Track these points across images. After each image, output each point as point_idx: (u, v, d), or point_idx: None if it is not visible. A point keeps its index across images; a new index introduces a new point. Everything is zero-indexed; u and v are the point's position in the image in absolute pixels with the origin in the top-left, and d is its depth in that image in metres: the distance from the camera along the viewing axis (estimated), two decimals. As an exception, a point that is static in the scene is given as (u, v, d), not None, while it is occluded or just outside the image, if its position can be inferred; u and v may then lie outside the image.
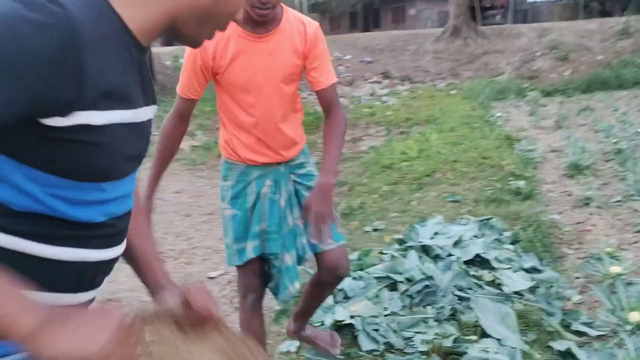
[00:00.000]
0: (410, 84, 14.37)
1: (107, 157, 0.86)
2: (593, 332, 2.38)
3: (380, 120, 9.99)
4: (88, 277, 0.93)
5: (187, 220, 6.16)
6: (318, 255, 2.09)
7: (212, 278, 4.47)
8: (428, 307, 2.42)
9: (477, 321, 2.30)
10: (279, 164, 2.01)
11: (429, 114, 9.49)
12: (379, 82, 14.65)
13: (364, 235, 4.02)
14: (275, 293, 2.11)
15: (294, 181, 2.05)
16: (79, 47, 0.76)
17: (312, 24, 1.95)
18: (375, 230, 4.05)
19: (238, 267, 2.09)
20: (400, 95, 12.55)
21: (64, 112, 0.77)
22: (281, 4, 1.87)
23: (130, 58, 0.89)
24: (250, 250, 2.01)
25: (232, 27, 1.82)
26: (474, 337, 2.24)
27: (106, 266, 0.97)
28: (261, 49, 1.85)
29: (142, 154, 0.99)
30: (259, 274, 2.09)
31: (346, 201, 5.69)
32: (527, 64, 14.92)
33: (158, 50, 17.51)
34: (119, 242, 0.99)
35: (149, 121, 1.00)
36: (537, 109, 9.63)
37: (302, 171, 2.07)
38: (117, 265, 1.11)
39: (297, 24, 1.91)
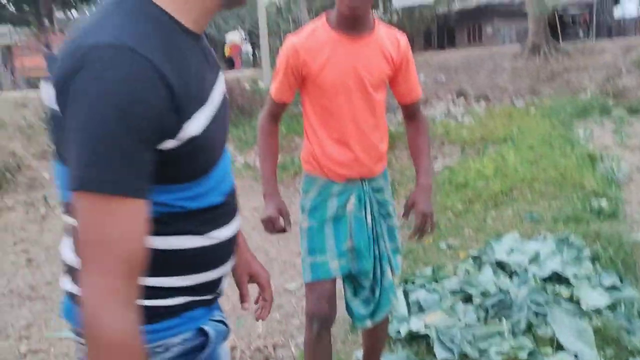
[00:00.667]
0: (486, 102, 14.16)
1: (211, 152, 1.00)
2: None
3: (454, 139, 9.93)
4: (231, 250, 1.10)
5: (264, 235, 6.42)
6: None
7: (289, 290, 4.65)
8: (503, 320, 2.45)
9: (553, 335, 2.31)
10: (362, 181, 1.98)
11: (505, 133, 9.34)
12: (454, 101, 14.54)
13: (438, 251, 4.07)
14: (375, 311, 2.02)
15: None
16: (165, 75, 0.83)
17: (403, 35, 1.97)
18: (449, 247, 4.08)
19: (308, 285, 2.02)
20: (475, 113, 12.39)
21: (172, 136, 0.88)
22: (374, 16, 1.92)
23: (193, 49, 0.95)
24: (336, 268, 1.95)
25: (327, 31, 1.88)
26: (549, 351, 2.26)
27: (235, 238, 1.12)
28: (354, 50, 1.85)
29: (227, 127, 1.10)
30: (329, 297, 1.97)
31: (420, 219, 5.75)
32: (612, 80, 14.32)
33: (238, 74, 18.30)
34: (236, 215, 1.12)
35: (223, 94, 1.08)
36: (622, 127, 9.25)
37: (379, 197, 2.02)
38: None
39: (390, 33, 1.93)
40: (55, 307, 4.32)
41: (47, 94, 0.90)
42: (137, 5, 0.89)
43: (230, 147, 11.12)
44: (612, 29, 28.69)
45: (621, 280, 2.88)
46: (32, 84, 18.69)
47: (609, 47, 16.62)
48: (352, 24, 1.84)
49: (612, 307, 2.55)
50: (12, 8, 23.76)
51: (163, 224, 0.95)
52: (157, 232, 0.94)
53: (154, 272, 0.95)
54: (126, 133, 0.80)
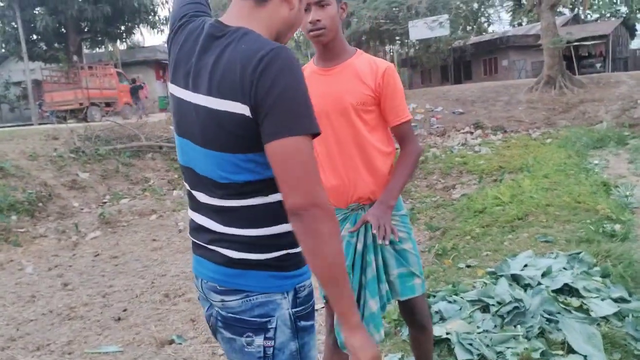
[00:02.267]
0: (503, 133, 14.39)
1: None
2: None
3: (472, 169, 10.16)
4: None
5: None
6: (400, 303, 2.15)
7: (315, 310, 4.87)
8: (518, 326, 2.66)
9: (564, 339, 2.50)
10: (362, 207, 2.03)
11: (522, 162, 9.55)
12: (471, 133, 14.78)
13: (458, 270, 4.27)
14: None
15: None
16: None
17: (384, 63, 2.03)
18: (468, 266, 4.30)
19: (325, 303, 2.10)
20: (493, 144, 12.63)
21: None
22: (358, 49, 2.08)
23: None
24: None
25: (310, 67, 2.08)
26: (560, 353, 2.45)
27: None
28: (328, 79, 1.98)
29: None
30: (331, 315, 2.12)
31: (439, 243, 5.94)
32: (628, 112, 14.49)
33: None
34: None
35: None
36: (638, 156, 9.40)
37: None
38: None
39: (369, 62, 2.01)
40: (93, 326, 4.57)
41: (213, 103, 1.25)
42: (256, 33, 1.28)
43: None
44: (628, 61, 28.85)
45: (630, 295, 3.06)
46: (60, 117, 19.32)
47: (625, 79, 16.82)
48: (326, 54, 2.00)
49: (620, 316, 2.74)
50: (42, 45, 24.72)
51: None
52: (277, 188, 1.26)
53: (284, 219, 1.28)
54: (308, 96, 1.21)
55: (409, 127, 2.05)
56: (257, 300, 1.32)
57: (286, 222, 1.28)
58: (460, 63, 33.98)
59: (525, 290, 3.01)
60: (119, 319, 4.68)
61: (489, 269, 3.74)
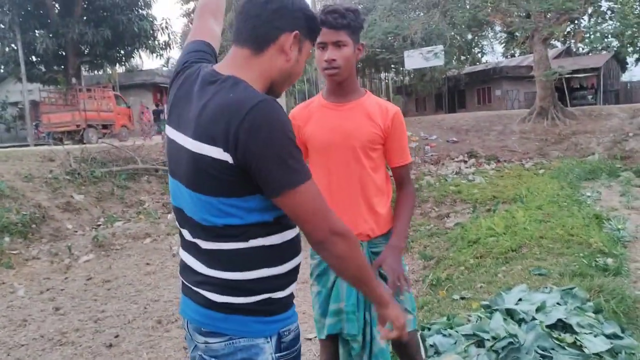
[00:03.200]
0: (496, 163, 14.52)
1: None
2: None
3: (466, 197, 10.22)
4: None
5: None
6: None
7: (309, 339, 4.84)
8: (512, 362, 2.68)
9: (558, 376, 2.52)
10: (360, 244, 2.05)
11: (515, 193, 9.62)
12: (465, 161, 14.91)
13: (452, 302, 4.29)
14: None
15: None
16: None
17: (393, 106, 2.12)
18: (462, 298, 4.31)
19: (320, 340, 2.19)
20: (486, 174, 12.73)
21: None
22: (367, 90, 2.16)
23: None
24: (326, 327, 2.10)
25: (319, 101, 2.13)
26: (555, 390, 2.47)
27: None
28: (339, 114, 2.05)
29: None
30: (333, 353, 2.16)
31: (433, 273, 5.95)
32: (619, 144, 14.68)
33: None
34: None
35: None
36: (630, 189, 9.50)
37: (378, 250, 2.10)
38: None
39: (379, 104, 2.09)
40: (84, 352, 4.53)
41: (197, 147, 1.29)
42: (245, 83, 1.33)
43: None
44: (620, 93, 29.29)
45: (622, 331, 3.09)
46: (57, 138, 19.32)
47: (616, 112, 17.07)
48: (338, 91, 2.06)
49: (614, 353, 2.76)
50: (41, 67, 24.84)
51: (283, 221, 1.38)
52: (278, 230, 1.38)
53: (279, 261, 1.38)
54: (295, 145, 1.28)
55: (409, 169, 2.15)
56: (240, 344, 1.34)
57: (266, 267, 1.35)
58: (455, 92, 34.38)
59: (520, 325, 3.03)
60: (111, 345, 4.65)
61: (483, 302, 3.75)
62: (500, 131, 17.02)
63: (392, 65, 32.82)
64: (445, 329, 3.14)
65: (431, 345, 3.04)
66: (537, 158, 14.73)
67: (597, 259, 4.80)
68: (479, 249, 5.83)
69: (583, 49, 36.80)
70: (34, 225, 9.08)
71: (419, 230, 9.04)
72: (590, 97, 26.71)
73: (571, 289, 3.61)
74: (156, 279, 6.75)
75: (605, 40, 18.30)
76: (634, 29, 15.33)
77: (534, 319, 3.08)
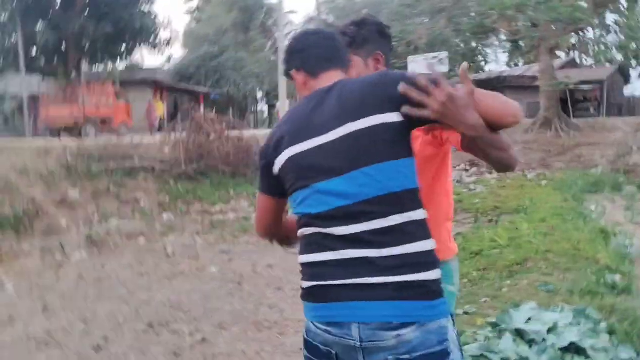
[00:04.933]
0: (498, 173, 14.38)
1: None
2: None
3: (467, 207, 10.06)
4: None
5: (279, 293, 6.46)
6: None
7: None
8: (523, 387, 2.52)
9: (572, 404, 2.36)
10: None
11: (518, 204, 9.47)
12: (466, 170, 14.76)
13: (456, 317, 4.12)
14: None
15: None
16: None
17: None
18: (466, 313, 4.15)
19: None
20: (488, 183, 12.59)
21: None
22: None
23: None
24: None
25: None
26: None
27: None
28: None
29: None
30: None
31: (435, 284, 5.80)
32: (623, 158, 14.56)
33: (257, 133, 18.65)
34: None
35: None
36: (634, 204, 9.36)
37: None
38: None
39: None
40: (71, 354, 4.37)
41: (357, 125, 1.44)
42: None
43: (246, 204, 11.31)
44: (623, 107, 29.21)
45: (638, 355, 2.93)
46: (54, 132, 19.16)
47: (620, 125, 16.96)
48: None
49: (630, 380, 2.61)
50: (42, 60, 24.70)
51: None
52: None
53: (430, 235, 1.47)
54: None
55: None
56: (433, 328, 1.37)
57: (431, 238, 1.43)
58: (458, 100, 34.20)
59: (531, 347, 2.87)
60: (99, 347, 4.48)
61: (489, 320, 3.59)
62: (504, 141, 16.89)
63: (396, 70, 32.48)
64: (451, 348, 2.97)
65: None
66: (539, 169, 14.59)
67: (605, 276, 4.65)
68: (481, 261, 5.67)
69: (587, 61, 36.80)
70: (27, 220, 8.92)
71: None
72: (593, 109, 26.61)
73: (584, 309, 3.46)
74: (149, 281, 6.59)
75: (610, 53, 18.20)
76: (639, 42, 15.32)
77: (544, 340, 2.92)
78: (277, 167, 1.57)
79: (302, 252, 1.56)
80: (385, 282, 1.38)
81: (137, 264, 7.37)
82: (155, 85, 30.98)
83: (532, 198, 9.68)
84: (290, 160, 1.53)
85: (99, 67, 28.20)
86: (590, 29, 17.77)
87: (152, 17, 24.53)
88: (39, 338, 4.73)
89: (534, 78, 31.58)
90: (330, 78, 1.60)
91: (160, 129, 22.06)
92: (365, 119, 1.43)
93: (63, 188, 10.52)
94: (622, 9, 16.69)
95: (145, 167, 12.57)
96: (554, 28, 15.44)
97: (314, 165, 1.49)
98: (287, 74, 1.72)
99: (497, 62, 46.61)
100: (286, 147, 1.54)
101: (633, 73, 34.64)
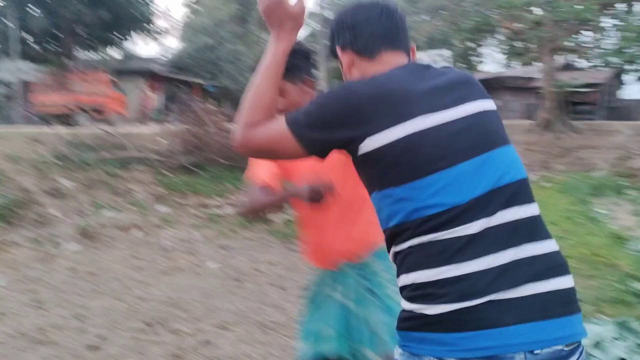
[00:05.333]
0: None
1: None
2: None
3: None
4: None
5: (283, 293, 6.21)
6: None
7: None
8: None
9: None
10: (348, 266, 1.97)
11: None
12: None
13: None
14: None
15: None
16: None
17: None
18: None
19: None
20: (490, 184, 12.42)
21: None
22: None
23: None
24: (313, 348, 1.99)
25: None
26: None
27: None
28: None
29: None
30: None
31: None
32: (624, 161, 14.45)
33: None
34: None
35: None
36: (640, 208, 9.21)
37: (370, 282, 1.97)
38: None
39: None
40: (65, 354, 4.12)
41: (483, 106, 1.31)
42: None
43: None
44: (620, 110, 29.26)
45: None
46: (46, 120, 18.78)
47: (621, 128, 16.88)
48: None
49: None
50: (35, 46, 24.25)
51: None
52: None
53: None
54: None
55: None
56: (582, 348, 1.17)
57: None
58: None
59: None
60: (94, 347, 4.24)
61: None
62: (505, 141, 16.78)
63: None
64: None
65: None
66: (541, 171, 14.46)
67: (628, 283, 4.45)
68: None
69: (581, 64, 36.84)
70: (17, 210, 8.61)
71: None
72: (591, 112, 26.60)
73: (625, 321, 3.23)
74: (146, 276, 6.34)
75: (607, 57, 18.15)
76: (635, 46, 15.16)
77: (590, 355, 2.69)
78: (378, 140, 1.19)
79: (436, 265, 1.14)
80: (557, 288, 1.11)
81: (132, 258, 7.13)
82: (151, 75, 30.60)
83: (539, 201, 9.47)
84: (415, 135, 1.18)
85: (93, 55, 27.76)
86: (588, 31, 17.66)
87: (150, 5, 24.13)
88: (30, 335, 4.48)
89: (530, 79, 31.58)
90: (390, 61, 1.35)
91: (154, 119, 21.74)
92: (484, 101, 1.32)
93: (55, 177, 10.20)
94: (620, 12, 16.61)
95: (140, 158, 12.25)
96: (563, 27, 15.26)
97: (448, 143, 1.19)
98: (332, 52, 1.47)
99: (493, 62, 46.54)
100: (403, 119, 1.19)
101: (628, 77, 34.76)
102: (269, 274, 6.78)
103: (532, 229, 1.17)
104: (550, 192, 10.81)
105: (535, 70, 31.73)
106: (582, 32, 17.84)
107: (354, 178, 1.68)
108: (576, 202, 9.40)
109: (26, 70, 24.50)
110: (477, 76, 27.34)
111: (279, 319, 5.27)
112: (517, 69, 36.73)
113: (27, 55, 24.04)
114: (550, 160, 15.18)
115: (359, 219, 1.91)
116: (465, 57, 33.35)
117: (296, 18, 1.37)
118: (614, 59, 18.73)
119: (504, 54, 33.18)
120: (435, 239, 1.14)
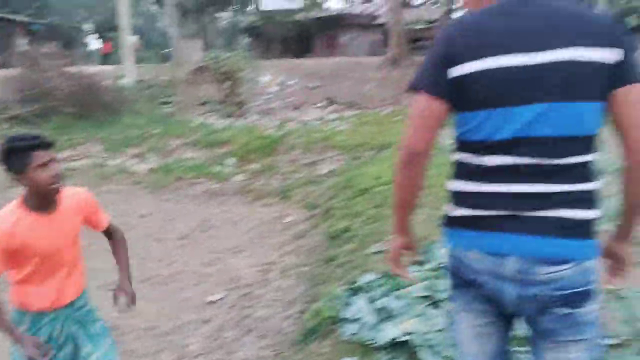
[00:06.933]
0: (356, 110, 14.77)
1: None
2: None
3: (334, 144, 10.22)
4: None
5: (162, 244, 6.05)
6: None
7: (213, 302, 4.44)
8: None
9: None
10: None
11: (381, 140, 9.83)
12: (325, 107, 14.94)
13: (368, 257, 4.16)
14: None
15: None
16: None
17: (81, 190, 2.39)
18: (378, 252, 4.20)
19: None
20: (348, 120, 12.87)
21: None
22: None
23: None
24: None
25: (17, 212, 2.21)
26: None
27: None
28: (51, 224, 2.22)
29: None
30: None
31: (329, 224, 5.81)
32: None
33: (97, 69, 16.94)
34: None
35: None
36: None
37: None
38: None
39: (72, 195, 2.30)
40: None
41: (591, 55, 1.33)
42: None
43: (99, 149, 10.29)
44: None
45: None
46: None
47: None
48: (51, 202, 2.19)
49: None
50: None
51: None
52: None
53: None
54: None
55: (110, 227, 2.49)
56: (585, 267, 1.37)
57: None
58: (302, 37, 34.28)
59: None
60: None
61: (415, 258, 3.65)
62: (357, 78, 17.30)
63: (233, 6, 31.38)
64: (394, 291, 2.96)
65: (381, 309, 2.85)
66: (392, 105, 15.27)
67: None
68: (372, 198, 5.78)
69: (417, 1, 38.81)
70: None
71: (292, 178, 8.87)
72: (428, 48, 28.29)
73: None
74: None
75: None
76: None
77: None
78: (466, 69, 1.39)
79: (467, 179, 1.51)
80: (554, 216, 1.37)
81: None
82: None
83: (394, 134, 10.09)
84: (491, 72, 1.37)
85: None
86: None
87: None
88: None
89: (373, 17, 32.67)
90: None
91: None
92: (583, 49, 1.34)
93: None
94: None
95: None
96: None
97: (516, 85, 1.36)
98: None
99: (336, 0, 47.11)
100: (487, 55, 1.37)
101: (458, 14, 37.48)
102: (143, 227, 6.53)
103: (557, 173, 1.38)
104: (402, 126, 11.51)
105: (378, 8, 32.89)
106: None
107: (78, 242, 2.28)
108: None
109: None
110: (323, 13, 27.37)
111: (167, 272, 5.16)
112: (360, 6, 37.68)
113: None
114: (399, 95, 16.06)
115: (78, 270, 2.32)
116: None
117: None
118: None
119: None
120: (467, 160, 1.50)
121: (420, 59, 16.76)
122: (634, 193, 1.45)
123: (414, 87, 1.46)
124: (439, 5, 35.83)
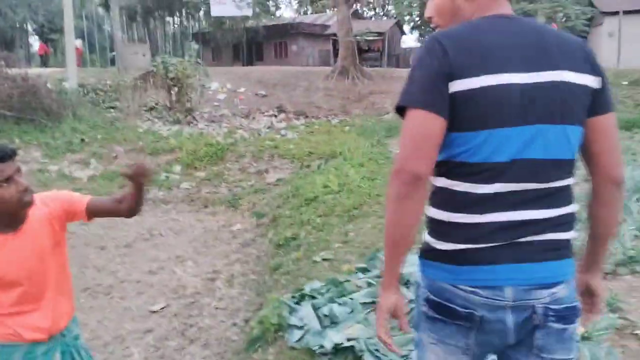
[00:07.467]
0: (305, 118, 14.85)
1: None
2: None
3: (283, 153, 10.25)
4: None
5: (103, 253, 5.89)
6: None
7: (155, 312, 4.35)
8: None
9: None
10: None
11: (331, 149, 9.94)
12: (275, 116, 14.95)
13: (315, 265, 4.19)
14: None
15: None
16: None
17: (53, 195, 2.07)
18: (324, 259, 4.24)
19: None
20: (297, 129, 12.94)
21: None
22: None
23: None
24: None
25: None
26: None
27: None
28: (17, 242, 1.94)
29: None
30: None
31: (277, 232, 5.81)
32: (408, 105, 16.12)
33: (41, 71, 16.35)
34: None
35: None
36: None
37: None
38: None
39: (42, 203, 2.00)
40: None
41: (577, 79, 1.34)
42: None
43: (39, 154, 9.92)
44: (400, 58, 32.22)
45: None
46: None
47: (402, 74, 18.69)
48: (17, 220, 1.91)
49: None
50: None
51: None
52: None
53: None
54: None
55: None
56: (572, 285, 1.41)
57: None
58: (252, 44, 34.22)
59: (408, 288, 3.04)
60: None
61: (357, 265, 3.72)
62: (306, 87, 17.42)
63: (186, 10, 31.02)
64: (339, 297, 3.00)
65: (326, 315, 2.88)
66: (341, 115, 15.45)
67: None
68: (319, 207, 5.83)
69: (367, 13, 39.53)
70: None
71: (241, 186, 8.82)
72: (375, 60, 28.80)
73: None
74: None
75: (387, 7, 19.70)
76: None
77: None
78: (466, 85, 1.28)
79: (454, 209, 1.34)
80: (544, 239, 1.36)
81: None
82: None
83: (342, 143, 10.21)
84: (492, 89, 1.29)
85: None
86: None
87: None
88: None
89: (325, 27, 33.00)
90: (501, 5, 1.40)
91: None
92: (571, 72, 1.33)
93: None
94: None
95: None
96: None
97: (514, 104, 1.29)
98: None
99: (290, 8, 47.35)
100: (488, 71, 1.29)
101: (407, 27, 38.39)
102: (84, 234, 6.34)
103: (545, 198, 1.35)
104: (352, 135, 11.67)
105: (328, 18, 33.25)
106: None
107: (60, 253, 2.00)
108: (375, 144, 10.32)
109: None
110: (275, 22, 27.45)
111: (107, 281, 5.02)
112: (312, 16, 37.99)
113: None
114: (348, 105, 16.28)
115: (67, 287, 2.05)
116: (263, 3, 33.39)
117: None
118: (393, 9, 20.38)
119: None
120: (457, 187, 1.35)
121: (367, 70, 17.10)
122: (603, 218, 1.44)
123: (407, 104, 1.30)
124: (388, 17, 36.68)
